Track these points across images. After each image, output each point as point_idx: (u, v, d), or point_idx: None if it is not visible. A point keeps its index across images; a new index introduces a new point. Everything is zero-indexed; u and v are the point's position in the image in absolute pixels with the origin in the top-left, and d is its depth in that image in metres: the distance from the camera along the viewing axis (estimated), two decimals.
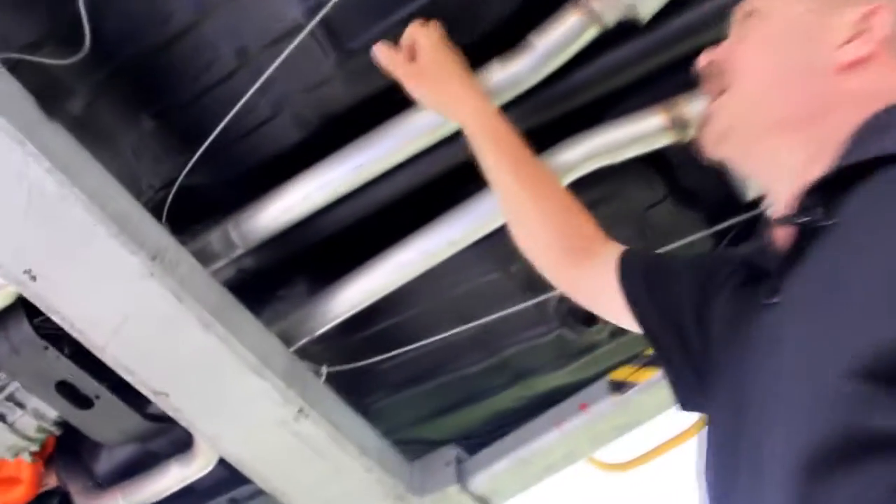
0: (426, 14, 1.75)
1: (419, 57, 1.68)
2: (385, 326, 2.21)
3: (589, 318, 2.16)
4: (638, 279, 1.46)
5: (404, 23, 1.76)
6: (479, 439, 2.46)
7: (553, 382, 2.36)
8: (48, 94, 1.89)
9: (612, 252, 1.53)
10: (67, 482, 2.70)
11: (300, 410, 1.95)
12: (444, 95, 1.70)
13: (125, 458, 2.54)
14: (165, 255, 1.79)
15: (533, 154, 1.66)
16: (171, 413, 1.99)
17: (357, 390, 2.30)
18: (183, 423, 2.00)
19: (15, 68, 1.82)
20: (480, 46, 1.83)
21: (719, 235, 2.12)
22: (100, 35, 1.77)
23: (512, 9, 1.79)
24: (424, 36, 1.68)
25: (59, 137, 1.68)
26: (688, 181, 2.11)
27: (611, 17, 1.72)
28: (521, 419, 2.40)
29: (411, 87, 1.71)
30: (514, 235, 1.68)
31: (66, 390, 2.22)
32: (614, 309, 1.48)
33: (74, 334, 1.85)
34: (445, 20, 1.75)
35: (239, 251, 1.97)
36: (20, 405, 2.36)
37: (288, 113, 1.91)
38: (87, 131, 1.97)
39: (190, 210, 2.03)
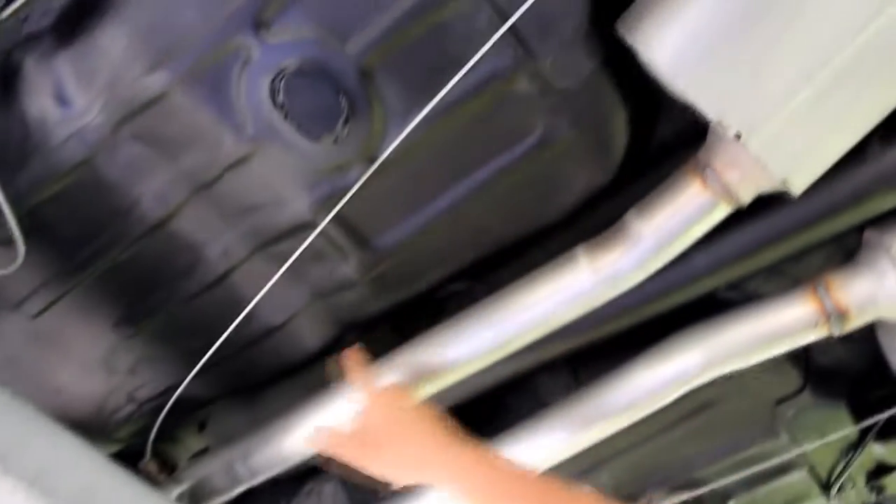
0: (474, 201, 1.21)
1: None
2: None
3: None
4: None
5: (447, 213, 1.22)
6: None
7: None
8: None
9: None
10: None
11: None
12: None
13: None
14: None
15: None
16: None
17: None
18: None
19: None
20: (559, 229, 1.27)
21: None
22: (42, 234, 1.25)
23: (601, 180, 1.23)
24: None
25: None
26: (825, 358, 1.53)
27: (749, 194, 1.15)
28: None
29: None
30: None
31: None
32: None
33: None
34: (509, 202, 1.20)
35: (245, 486, 1.44)
36: None
37: (301, 320, 1.36)
38: (44, 343, 1.46)
39: (181, 423, 1.52)
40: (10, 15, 1.10)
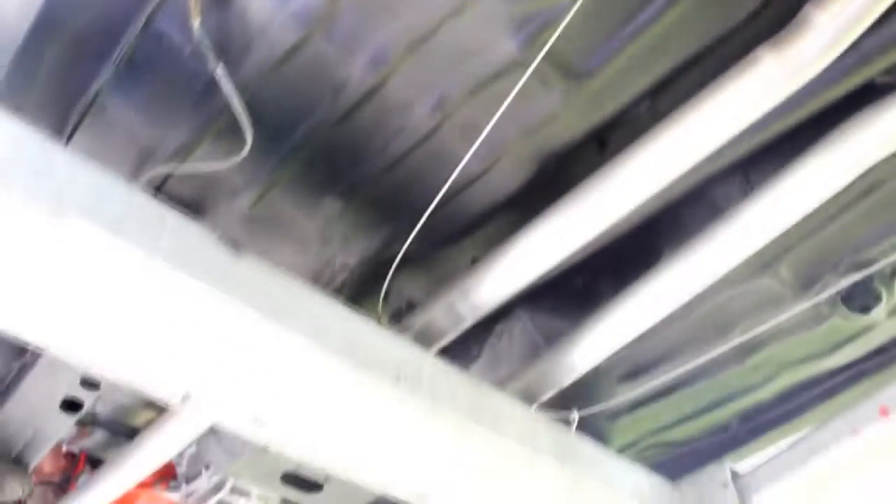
0: (668, 13, 1.29)
1: None
2: (636, 348, 1.77)
3: (865, 305, 1.75)
4: None
5: (644, 29, 1.30)
6: (732, 434, 2.13)
7: (820, 368, 1.97)
8: (207, 200, 1.53)
9: None
10: None
11: (576, 483, 1.61)
12: None
13: None
14: (407, 369, 1.42)
15: None
16: None
17: (598, 417, 1.96)
18: None
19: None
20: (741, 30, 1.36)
21: None
22: (260, 124, 1.36)
23: None
24: None
25: (257, 275, 1.29)
26: None
27: None
28: (782, 406, 2.05)
29: None
30: None
31: (293, 479, 1.95)
32: None
33: (316, 465, 1.54)
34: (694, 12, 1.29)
35: (468, 323, 1.59)
36: (245, 493, 2.12)
37: (504, 162, 1.48)
38: (261, 227, 1.60)
39: (395, 283, 1.66)
40: None
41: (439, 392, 1.44)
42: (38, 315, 1.19)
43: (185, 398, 1.37)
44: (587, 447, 1.71)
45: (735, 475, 1.86)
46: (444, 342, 1.59)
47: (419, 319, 1.58)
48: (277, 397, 1.37)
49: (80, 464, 2.30)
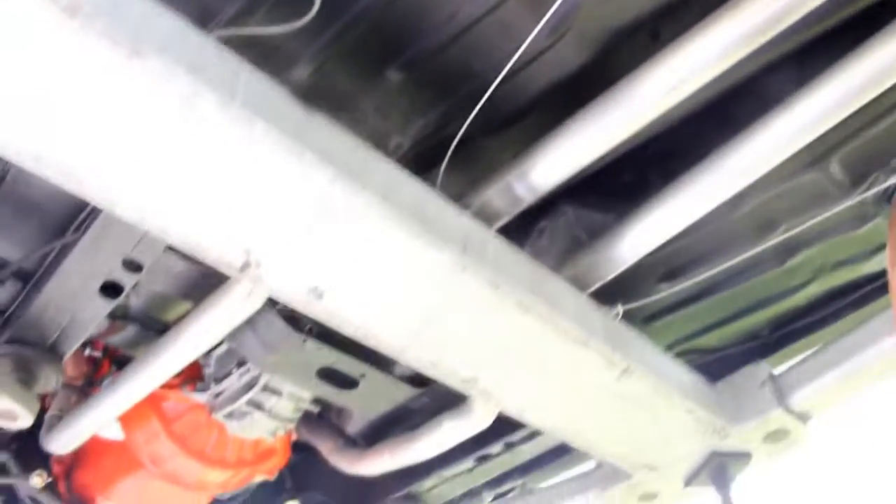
0: None
1: None
2: (678, 247, 1.81)
3: None
4: None
5: None
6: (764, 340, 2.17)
7: (858, 272, 2.00)
8: (263, 69, 1.51)
9: None
10: (313, 440, 2.50)
11: (625, 370, 1.63)
12: None
13: (379, 415, 2.30)
14: (473, 239, 1.43)
15: None
16: (475, 394, 1.70)
17: (633, 320, 1.98)
18: (485, 400, 1.71)
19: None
20: None
21: None
22: None
23: None
24: None
25: (329, 133, 1.29)
26: None
27: None
28: (815, 312, 2.08)
29: None
30: None
31: (329, 375, 1.96)
32: None
33: (368, 342, 1.54)
34: None
35: (525, 205, 1.58)
36: (276, 392, 2.12)
37: (571, 35, 1.46)
38: (317, 98, 1.57)
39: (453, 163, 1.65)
40: None
41: (503, 265, 1.45)
42: (109, 164, 1.18)
43: (245, 266, 1.37)
44: (634, 337, 1.73)
45: (771, 375, 1.90)
46: (501, 223, 1.59)
47: (475, 200, 1.57)
48: (340, 264, 1.36)
49: (104, 367, 2.30)
